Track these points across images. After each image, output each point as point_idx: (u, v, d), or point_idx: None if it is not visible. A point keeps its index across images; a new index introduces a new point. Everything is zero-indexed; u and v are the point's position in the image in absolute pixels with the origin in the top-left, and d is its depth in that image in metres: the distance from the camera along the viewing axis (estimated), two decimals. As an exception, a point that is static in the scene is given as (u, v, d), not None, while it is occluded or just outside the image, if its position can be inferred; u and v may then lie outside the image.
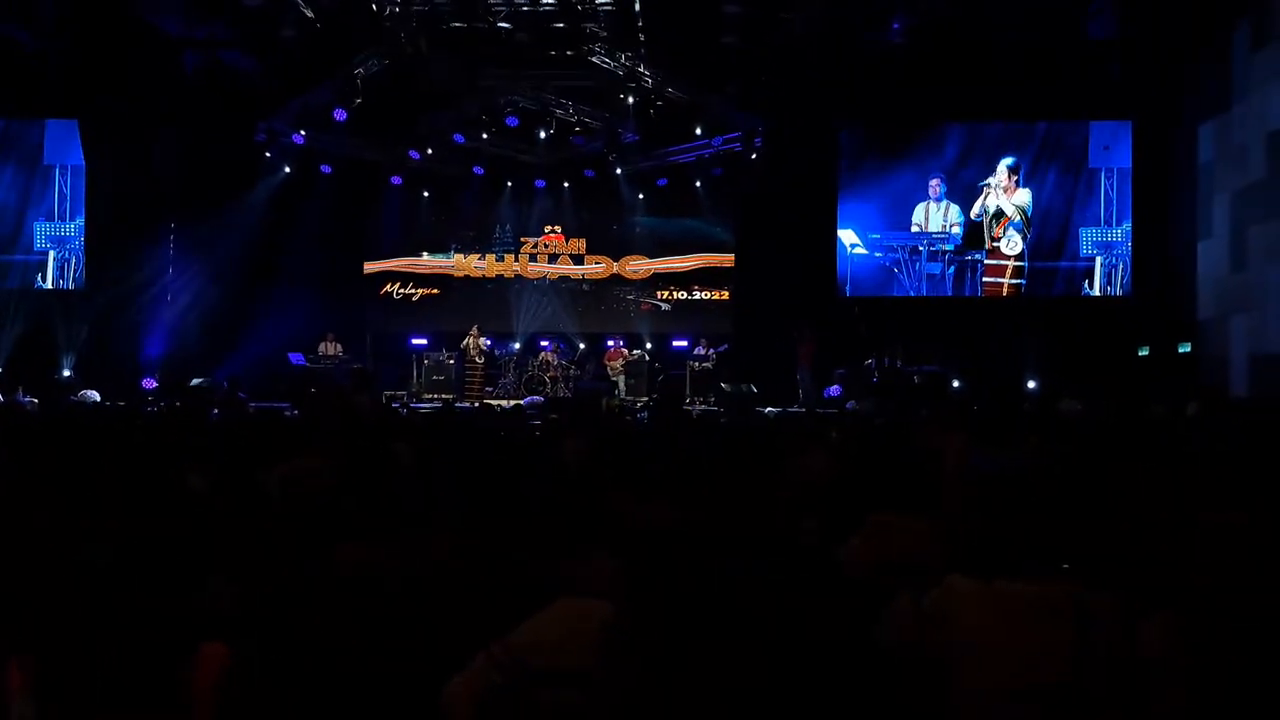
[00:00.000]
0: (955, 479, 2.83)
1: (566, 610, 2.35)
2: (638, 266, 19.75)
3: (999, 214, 17.19)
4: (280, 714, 2.13)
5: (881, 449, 3.58)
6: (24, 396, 14.19)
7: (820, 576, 2.79)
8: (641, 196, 19.40)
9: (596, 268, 19.94)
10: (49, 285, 17.76)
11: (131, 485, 4.04)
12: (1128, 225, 16.82)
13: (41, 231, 17.78)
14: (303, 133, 17.78)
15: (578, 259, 20.00)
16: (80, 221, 17.75)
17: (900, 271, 17.44)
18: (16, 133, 17.76)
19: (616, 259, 19.85)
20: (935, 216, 17.40)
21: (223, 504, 4.14)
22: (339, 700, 2.30)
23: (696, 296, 19.53)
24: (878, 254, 17.50)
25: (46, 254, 17.80)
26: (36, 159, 17.78)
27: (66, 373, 16.52)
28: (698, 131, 17.72)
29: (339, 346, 17.73)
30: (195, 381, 15.49)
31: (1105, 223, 16.92)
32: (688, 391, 16.95)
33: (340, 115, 17.17)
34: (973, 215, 17.24)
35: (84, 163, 17.62)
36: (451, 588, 2.63)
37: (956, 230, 17.31)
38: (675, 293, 19.63)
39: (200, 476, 4.48)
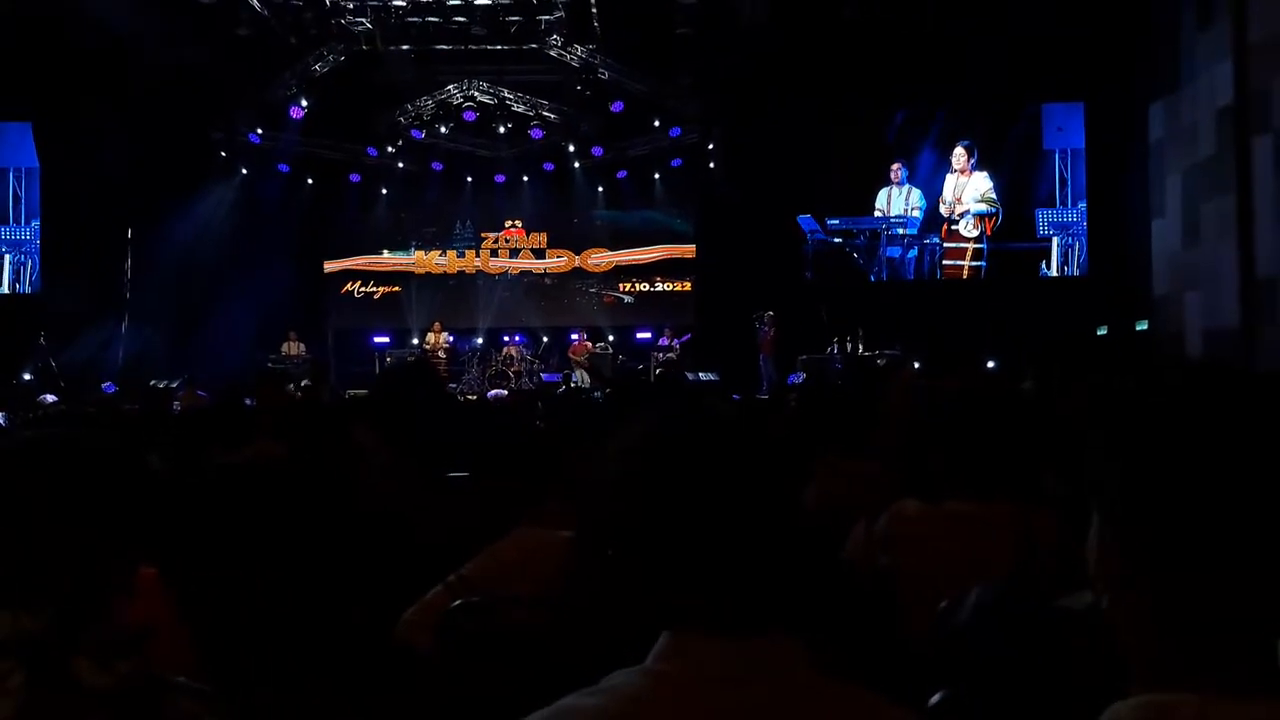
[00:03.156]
0: (901, 409, 2.89)
1: (525, 539, 2.39)
2: (599, 259, 19.77)
3: (958, 198, 17.37)
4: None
5: (834, 398, 3.64)
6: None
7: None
8: (601, 189, 19.45)
9: (558, 261, 19.94)
10: (5, 290, 17.58)
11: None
12: (1083, 205, 17.04)
13: (-4, 235, 17.62)
14: (259, 131, 17.68)
15: (539, 253, 19.99)
16: (36, 225, 17.57)
17: (860, 257, 17.56)
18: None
19: (578, 252, 19.86)
20: (897, 200, 17.54)
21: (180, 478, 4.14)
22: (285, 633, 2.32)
23: (659, 288, 19.59)
24: (837, 240, 17.61)
25: (1, 258, 17.61)
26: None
27: (27, 377, 16.31)
28: (655, 123, 17.78)
29: (302, 346, 17.67)
30: (155, 383, 15.37)
31: (1061, 203, 17.16)
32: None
33: (296, 113, 17.11)
34: (941, 202, 17.40)
35: (39, 165, 17.44)
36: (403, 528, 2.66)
37: (917, 214, 17.46)
38: (637, 284, 19.68)
39: (159, 457, 4.48)
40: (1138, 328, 15.45)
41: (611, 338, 18.80)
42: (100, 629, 1.58)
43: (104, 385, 16.08)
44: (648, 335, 18.65)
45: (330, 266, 19.81)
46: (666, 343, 17.61)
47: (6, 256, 17.62)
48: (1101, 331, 16.13)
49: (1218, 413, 0.98)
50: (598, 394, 10.17)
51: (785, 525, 1.27)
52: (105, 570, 1.65)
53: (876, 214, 17.59)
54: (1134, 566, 1.02)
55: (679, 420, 1.31)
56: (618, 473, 1.30)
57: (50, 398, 14.63)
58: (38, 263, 17.56)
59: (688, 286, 19.38)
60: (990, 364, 15.76)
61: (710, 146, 17.71)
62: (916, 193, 17.50)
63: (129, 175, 16.62)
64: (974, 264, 17.35)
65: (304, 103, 17.01)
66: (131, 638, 1.64)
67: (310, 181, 19.05)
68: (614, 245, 19.73)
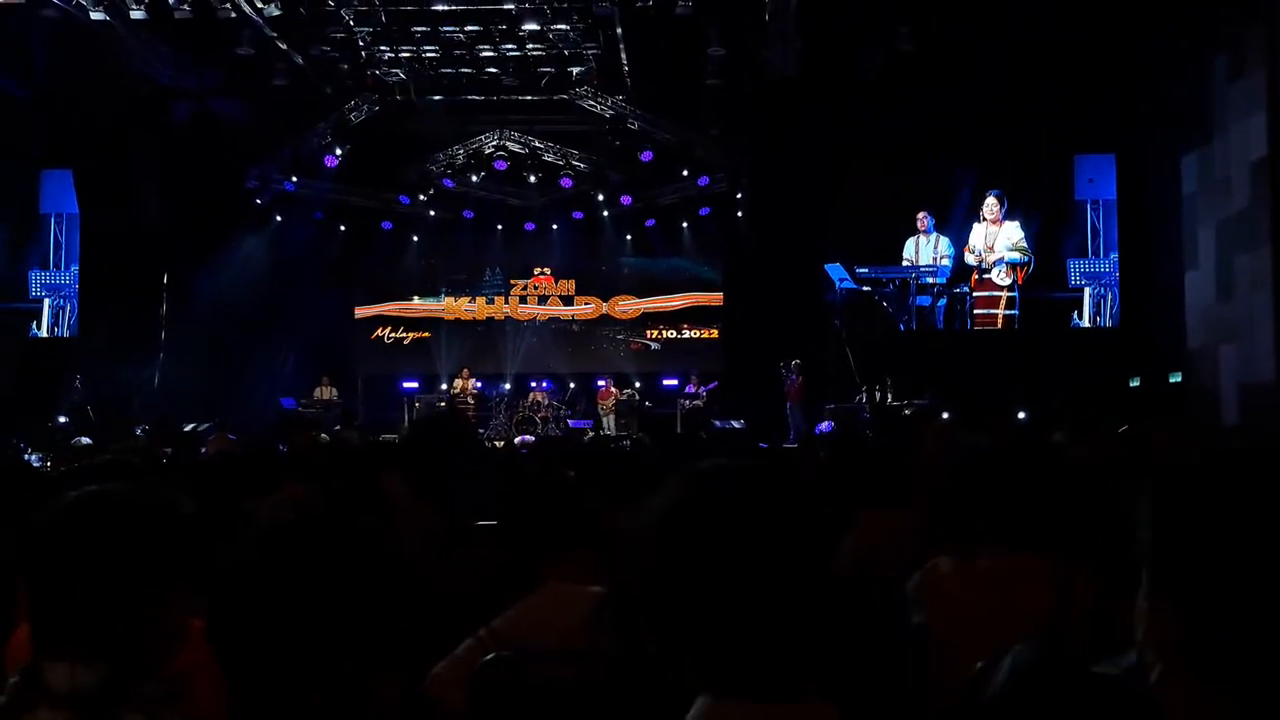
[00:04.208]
0: (935, 461, 2.86)
1: (555, 593, 2.38)
2: (627, 306, 19.86)
3: (990, 246, 17.28)
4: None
5: (865, 450, 3.61)
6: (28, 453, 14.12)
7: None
8: (630, 237, 19.58)
9: (586, 308, 20.04)
10: (44, 333, 17.82)
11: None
12: (1115, 256, 16.95)
13: (37, 280, 17.84)
14: (294, 179, 17.94)
15: (567, 300, 20.11)
16: (75, 270, 17.85)
17: (889, 305, 17.47)
18: (12, 183, 17.82)
19: (606, 299, 19.97)
20: (925, 250, 17.46)
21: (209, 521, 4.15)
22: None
23: (686, 335, 19.65)
24: (866, 288, 17.53)
25: (41, 302, 17.86)
26: (33, 208, 17.88)
27: (62, 419, 16.45)
28: (684, 172, 17.90)
29: (334, 391, 17.83)
30: (188, 427, 15.45)
31: (1093, 254, 17.08)
32: (678, 428, 16.96)
33: (331, 162, 17.35)
34: (967, 251, 17.32)
35: (79, 211, 17.74)
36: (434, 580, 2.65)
37: (946, 263, 17.37)
38: (665, 332, 19.74)
39: (189, 501, 4.49)
40: (1171, 380, 15.28)
41: (638, 384, 18.83)
42: (150, 682, 1.60)
43: (137, 428, 16.19)
44: (674, 382, 18.68)
45: (361, 312, 19.98)
46: (693, 390, 17.61)
47: (46, 300, 17.87)
48: (1134, 383, 15.95)
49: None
50: (626, 441, 10.16)
51: (821, 588, 1.26)
52: (160, 624, 1.67)
53: (905, 263, 17.50)
54: (1191, 637, 0.98)
55: (715, 480, 1.30)
56: (651, 533, 1.29)
57: (85, 440, 14.72)
58: (76, 307, 17.80)
59: (715, 334, 19.41)
60: (1021, 415, 15.59)
61: (738, 195, 17.79)
62: (945, 241, 17.42)
63: (166, 222, 16.85)
64: (1008, 313, 17.23)
65: (338, 151, 17.27)
66: (177, 690, 1.66)
67: (343, 228, 19.28)
68: (641, 292, 19.82)
